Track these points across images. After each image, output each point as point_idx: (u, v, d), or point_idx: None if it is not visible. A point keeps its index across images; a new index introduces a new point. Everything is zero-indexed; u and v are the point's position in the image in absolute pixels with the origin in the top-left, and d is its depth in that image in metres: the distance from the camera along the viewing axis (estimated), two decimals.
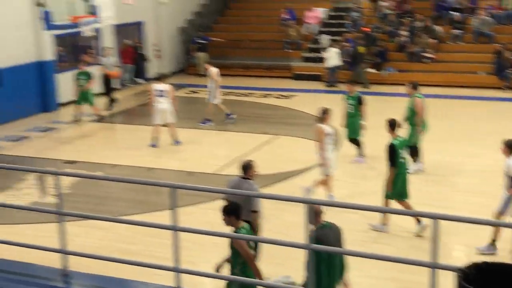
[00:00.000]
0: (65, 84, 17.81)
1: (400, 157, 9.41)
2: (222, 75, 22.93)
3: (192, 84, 21.47)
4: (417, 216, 9.32)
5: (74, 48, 21.27)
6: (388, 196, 9.52)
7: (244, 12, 26.53)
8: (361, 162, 12.92)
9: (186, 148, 14.52)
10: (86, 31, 15.36)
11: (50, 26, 14.62)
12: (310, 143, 14.36)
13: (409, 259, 6.68)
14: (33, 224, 10.10)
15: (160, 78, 14.92)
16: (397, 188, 9.47)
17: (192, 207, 10.58)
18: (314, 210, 6.03)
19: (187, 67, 24.07)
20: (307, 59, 23.08)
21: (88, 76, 16.92)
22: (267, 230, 8.12)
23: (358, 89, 13.94)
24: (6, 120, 16.92)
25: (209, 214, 10.05)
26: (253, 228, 7.44)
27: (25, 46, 17.62)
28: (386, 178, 9.49)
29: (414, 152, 12.13)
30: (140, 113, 18.42)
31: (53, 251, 6.69)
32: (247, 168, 7.68)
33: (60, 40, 19.45)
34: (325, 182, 10.69)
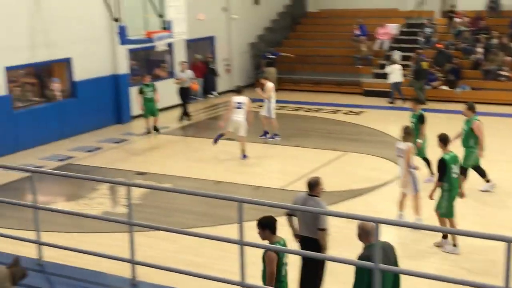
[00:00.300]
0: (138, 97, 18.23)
1: (451, 172, 9.33)
2: (291, 90, 23.11)
3: (261, 99, 21.55)
4: (490, 238, 9.00)
5: (147, 62, 21.82)
6: (442, 214, 9.45)
7: (315, 27, 26.51)
8: (432, 181, 12.62)
9: (253, 163, 14.57)
10: (160, 45, 15.67)
11: (125, 41, 15.00)
12: (379, 160, 14.22)
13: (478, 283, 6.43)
14: (103, 233, 10.36)
15: (239, 90, 15.03)
16: (446, 204, 9.41)
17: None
18: (364, 229, 5.90)
19: (256, 82, 24.21)
20: (378, 75, 22.82)
21: (153, 88, 17.31)
22: (332, 247, 8.02)
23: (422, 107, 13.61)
24: (82, 131, 17.47)
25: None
26: (321, 246, 7.38)
27: (101, 60, 18.19)
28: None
29: (480, 172, 11.84)
30: (209, 126, 18.66)
31: (122, 260, 6.83)
32: (314, 185, 7.60)
33: (134, 54, 20.00)
34: (415, 202, 10.32)
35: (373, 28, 24.04)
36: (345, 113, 19.59)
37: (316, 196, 7.57)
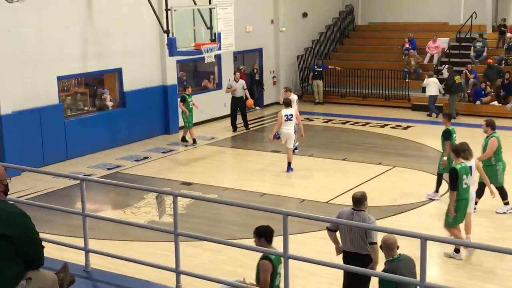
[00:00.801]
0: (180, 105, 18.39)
1: (462, 183, 9.44)
2: (338, 103, 22.99)
3: (308, 111, 21.55)
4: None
5: (195, 74, 22.06)
6: (449, 224, 9.61)
7: (363, 40, 26.40)
8: (435, 197, 12.39)
9: (300, 175, 14.52)
10: (208, 57, 15.83)
11: (174, 52, 15.20)
12: (426, 176, 13.99)
13: None
14: (149, 241, 10.47)
15: (288, 103, 14.82)
16: (457, 214, 9.56)
17: (303, 235, 10.54)
18: (386, 244, 6.29)
19: (303, 95, 24.22)
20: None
21: (191, 98, 17.53)
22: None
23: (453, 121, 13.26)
24: (130, 140, 17.74)
25: (319, 243, 9.96)
26: (374, 260, 7.30)
27: (151, 70, 18.48)
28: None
29: (501, 193, 11.46)
30: (254, 139, 18.72)
31: (167, 269, 6.88)
32: (360, 200, 7.51)
33: (183, 65, 20.25)
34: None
35: (422, 42, 23.80)
36: (393, 127, 19.38)
37: (362, 210, 7.48)
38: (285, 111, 14.47)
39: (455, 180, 9.41)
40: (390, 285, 6.10)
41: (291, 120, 14.46)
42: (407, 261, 6.39)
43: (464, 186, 9.51)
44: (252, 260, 9.33)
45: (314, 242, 10.26)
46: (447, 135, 12.00)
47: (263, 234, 6.44)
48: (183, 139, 17.87)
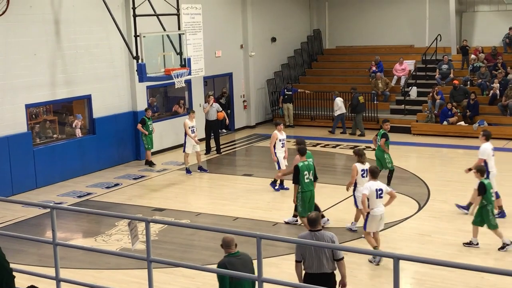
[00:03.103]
0: (156, 133, 18.36)
1: (489, 193, 10.86)
2: (308, 126, 23.15)
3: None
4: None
5: (165, 99, 22.04)
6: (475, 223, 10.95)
7: (331, 64, 26.74)
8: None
9: (272, 198, 14.55)
10: (179, 82, 15.87)
11: (144, 78, 15.22)
12: (400, 196, 14.11)
13: None
14: (122, 269, 10.36)
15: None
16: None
17: (276, 258, 10.53)
18: (224, 241, 6.97)
19: (273, 118, 24.34)
20: (395, 111, 22.86)
21: (150, 122, 17.83)
22: None
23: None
24: (101, 167, 17.62)
25: (293, 265, 9.95)
26: (342, 275, 7.57)
27: (120, 97, 18.42)
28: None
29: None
30: (226, 163, 18.72)
31: None
32: (316, 220, 7.56)
33: (153, 91, 20.24)
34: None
35: (389, 64, 24.19)
36: (363, 149, 19.51)
37: (320, 230, 7.55)
38: (279, 135, 15.05)
39: (484, 191, 10.77)
40: (225, 277, 6.80)
41: (284, 145, 15.07)
42: (244, 257, 6.96)
43: (307, 180, 11.38)
44: None
45: (288, 265, 10.25)
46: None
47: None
48: (150, 163, 17.94)
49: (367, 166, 11.46)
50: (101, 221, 13.17)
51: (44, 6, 16.11)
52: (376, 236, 10.49)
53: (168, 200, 14.72)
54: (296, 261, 7.62)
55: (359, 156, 11.88)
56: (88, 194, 15.45)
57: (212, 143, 19.37)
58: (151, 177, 17.11)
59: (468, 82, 22.25)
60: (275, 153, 14.94)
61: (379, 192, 10.15)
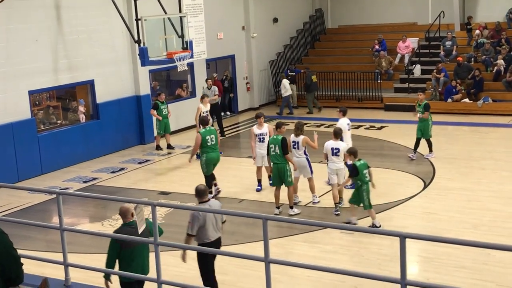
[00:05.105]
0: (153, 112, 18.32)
1: (363, 174, 11.18)
2: (313, 106, 23.12)
3: (283, 116, 21.64)
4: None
5: (168, 82, 22.00)
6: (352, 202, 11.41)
7: (334, 43, 26.61)
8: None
9: None
10: (181, 66, 15.80)
11: (146, 62, 15.16)
12: (402, 175, 14.13)
13: None
14: None
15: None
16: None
17: (283, 239, 10.55)
18: (121, 211, 7.31)
19: (277, 100, 24.30)
20: (399, 90, 22.79)
21: (166, 105, 17.84)
22: None
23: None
24: (105, 152, 17.65)
25: (299, 246, 9.99)
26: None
27: (123, 81, 18.40)
28: None
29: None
30: (230, 145, 18.72)
31: (148, 280, 6.85)
32: (204, 192, 8.27)
33: (155, 75, 20.19)
34: None
35: (393, 42, 24.06)
36: (367, 128, 19.53)
37: (207, 201, 8.22)
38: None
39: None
40: (115, 245, 7.14)
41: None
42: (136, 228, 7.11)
43: (273, 153, 11.91)
44: (233, 266, 9.37)
45: (294, 245, 10.28)
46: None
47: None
48: (158, 147, 17.93)
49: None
50: (107, 205, 13.21)
51: None
52: (340, 189, 12.09)
53: (173, 184, 14.75)
54: (188, 234, 8.09)
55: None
56: (94, 179, 15.48)
57: (215, 126, 19.31)
58: (155, 161, 17.13)
59: (472, 59, 22.12)
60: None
61: (335, 151, 12.00)
